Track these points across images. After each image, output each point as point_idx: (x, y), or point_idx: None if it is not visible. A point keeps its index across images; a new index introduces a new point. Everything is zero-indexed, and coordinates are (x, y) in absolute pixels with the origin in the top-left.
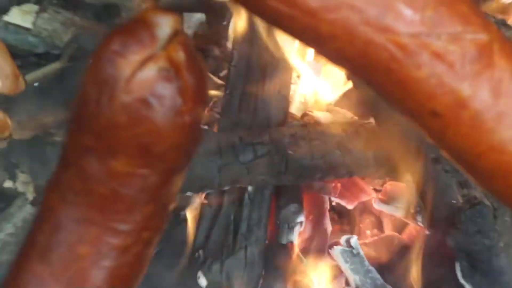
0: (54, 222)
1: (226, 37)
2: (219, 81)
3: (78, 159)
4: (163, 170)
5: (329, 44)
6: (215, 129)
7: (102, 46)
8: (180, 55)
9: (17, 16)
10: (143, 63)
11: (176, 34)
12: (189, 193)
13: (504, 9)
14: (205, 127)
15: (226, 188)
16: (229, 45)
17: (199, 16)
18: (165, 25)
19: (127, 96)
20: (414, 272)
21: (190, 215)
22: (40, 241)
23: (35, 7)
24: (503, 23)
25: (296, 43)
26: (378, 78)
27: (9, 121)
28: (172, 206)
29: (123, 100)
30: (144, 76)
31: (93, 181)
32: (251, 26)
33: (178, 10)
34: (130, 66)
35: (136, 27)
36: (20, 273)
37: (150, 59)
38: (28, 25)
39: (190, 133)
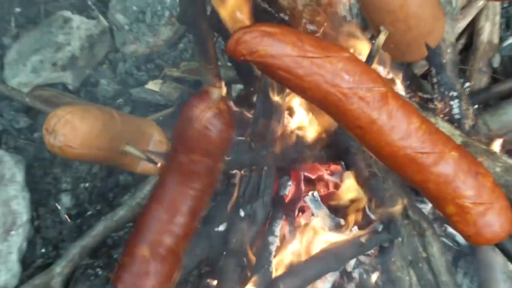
0: (164, 183)
1: (253, 96)
2: (250, 116)
3: (176, 155)
4: (214, 159)
5: (307, 93)
6: (248, 139)
7: (189, 102)
8: (223, 107)
9: (152, 85)
10: (205, 110)
11: (223, 98)
12: (235, 171)
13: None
14: (243, 138)
15: (253, 167)
16: (254, 99)
17: (240, 86)
18: (217, 93)
19: (198, 125)
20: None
21: (235, 181)
22: (156, 194)
23: (161, 81)
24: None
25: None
26: (331, 110)
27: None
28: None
29: (196, 127)
30: (207, 116)
31: (183, 165)
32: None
33: (229, 83)
34: (199, 110)
35: (204, 94)
36: (143, 214)
37: (210, 108)
38: (157, 89)
39: (226, 142)
